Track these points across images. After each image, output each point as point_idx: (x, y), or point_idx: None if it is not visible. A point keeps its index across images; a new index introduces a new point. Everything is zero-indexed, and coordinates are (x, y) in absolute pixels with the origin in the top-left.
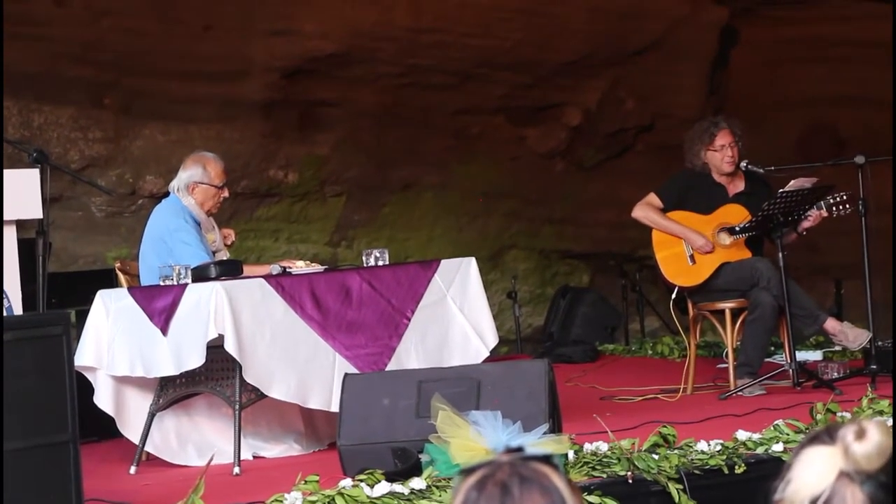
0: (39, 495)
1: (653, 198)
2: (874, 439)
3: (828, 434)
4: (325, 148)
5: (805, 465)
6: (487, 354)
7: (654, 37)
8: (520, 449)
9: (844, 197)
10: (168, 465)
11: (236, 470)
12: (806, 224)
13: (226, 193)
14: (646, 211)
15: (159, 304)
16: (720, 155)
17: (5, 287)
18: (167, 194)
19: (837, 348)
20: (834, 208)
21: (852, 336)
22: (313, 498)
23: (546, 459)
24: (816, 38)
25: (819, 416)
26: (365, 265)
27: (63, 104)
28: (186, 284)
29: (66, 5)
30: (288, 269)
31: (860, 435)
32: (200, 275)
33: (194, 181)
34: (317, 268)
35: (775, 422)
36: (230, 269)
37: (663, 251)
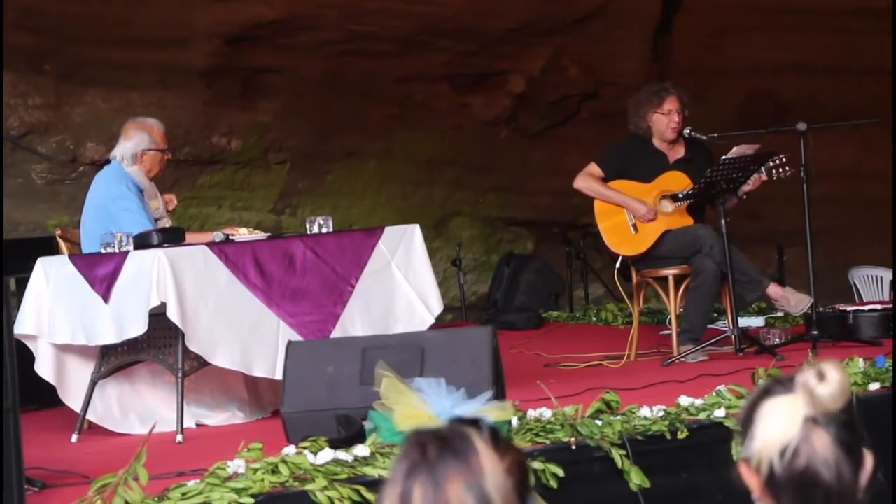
0: None
1: (593, 167)
2: (835, 379)
3: (781, 384)
4: (268, 115)
5: (768, 419)
6: (432, 322)
7: (596, 3)
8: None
9: (784, 159)
10: (110, 433)
11: (179, 438)
12: (746, 188)
13: (169, 155)
14: (587, 181)
15: (101, 272)
16: (666, 119)
17: None
18: (109, 161)
19: (779, 314)
20: (773, 171)
21: (794, 301)
22: (256, 465)
23: (473, 423)
24: (759, 4)
25: (760, 382)
26: (309, 232)
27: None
28: (128, 252)
29: None
30: (231, 237)
31: (821, 377)
32: (142, 242)
33: (142, 149)
34: (260, 235)
35: (717, 387)
36: (172, 237)
37: (605, 221)
